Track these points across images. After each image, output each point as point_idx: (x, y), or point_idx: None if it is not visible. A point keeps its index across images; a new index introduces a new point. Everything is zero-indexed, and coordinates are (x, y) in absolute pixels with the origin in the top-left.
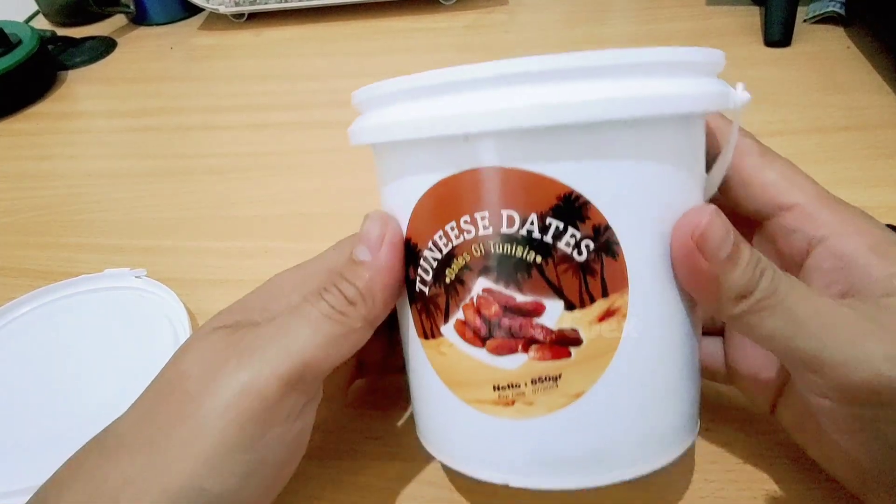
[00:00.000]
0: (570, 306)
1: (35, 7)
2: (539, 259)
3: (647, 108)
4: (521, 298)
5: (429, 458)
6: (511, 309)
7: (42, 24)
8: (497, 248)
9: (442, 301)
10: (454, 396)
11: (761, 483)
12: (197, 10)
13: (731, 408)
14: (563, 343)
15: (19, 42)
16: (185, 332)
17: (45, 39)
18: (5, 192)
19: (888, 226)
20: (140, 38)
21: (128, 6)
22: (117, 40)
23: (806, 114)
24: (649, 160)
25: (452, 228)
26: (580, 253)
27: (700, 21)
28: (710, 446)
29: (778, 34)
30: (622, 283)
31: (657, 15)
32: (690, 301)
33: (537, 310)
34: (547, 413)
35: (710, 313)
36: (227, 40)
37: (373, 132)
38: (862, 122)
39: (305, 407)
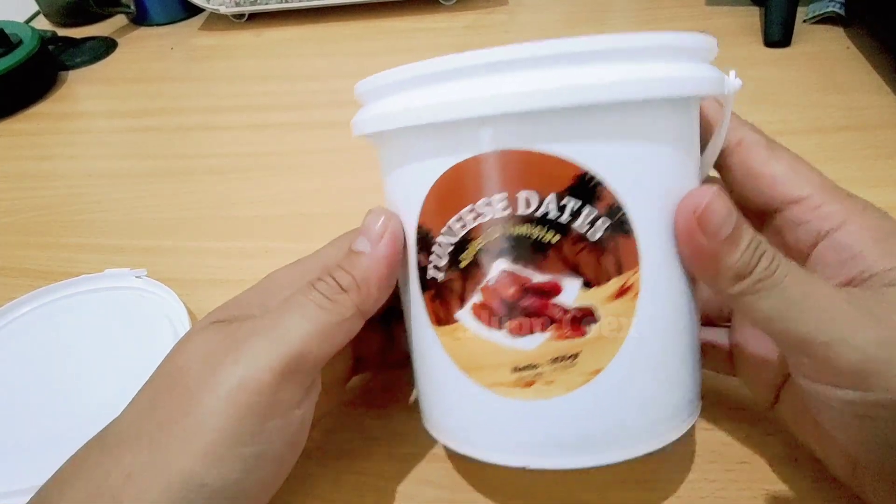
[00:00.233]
0: (586, 284)
1: (35, 7)
2: (556, 239)
3: (659, 90)
4: (539, 278)
5: (429, 458)
6: (529, 289)
7: (42, 24)
8: (515, 230)
9: (457, 286)
10: (470, 381)
11: (761, 483)
12: (197, 10)
13: (732, 408)
14: (580, 321)
15: (20, 42)
16: (185, 332)
17: (46, 40)
18: (5, 192)
19: None
20: (140, 38)
21: (128, 6)
22: (118, 41)
23: (806, 114)
24: (657, 141)
25: (469, 212)
26: (595, 232)
27: (700, 21)
28: (710, 446)
29: (778, 34)
30: (634, 261)
31: (657, 15)
32: (693, 279)
33: (555, 289)
34: (566, 392)
35: (711, 290)
36: (228, 41)
37: (384, 119)
38: (862, 122)
39: (303, 399)
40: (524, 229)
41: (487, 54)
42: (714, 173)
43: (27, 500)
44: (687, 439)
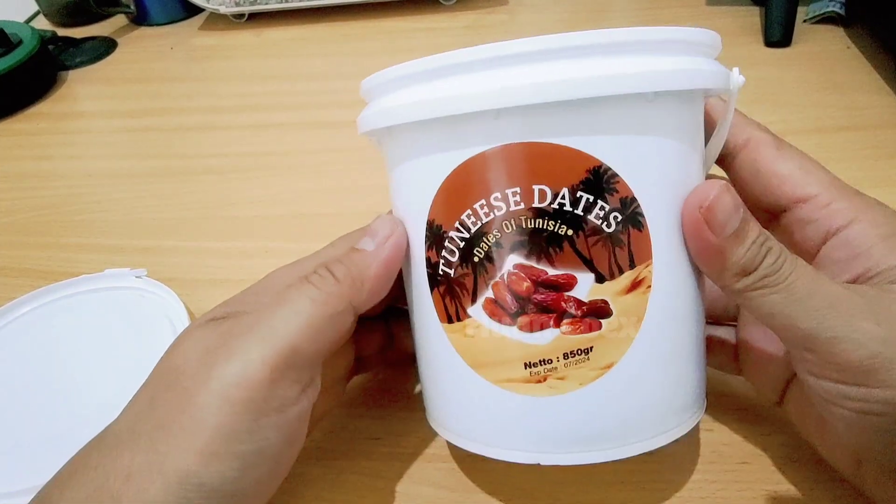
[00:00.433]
0: (600, 278)
1: (35, 7)
2: (570, 232)
3: (674, 83)
4: (552, 272)
5: (429, 458)
6: (543, 283)
7: (42, 24)
8: (529, 223)
9: (469, 281)
10: (481, 378)
11: (762, 483)
12: (197, 10)
13: (733, 408)
14: (594, 315)
15: (20, 42)
16: None
17: (46, 40)
18: (5, 192)
19: None
20: (140, 38)
21: (128, 6)
22: (118, 40)
23: (806, 114)
24: (668, 134)
25: (482, 206)
26: (609, 225)
27: (700, 21)
28: (711, 447)
29: (778, 34)
30: (647, 255)
31: (657, 15)
32: (700, 274)
33: (569, 283)
34: (579, 387)
35: (717, 288)
36: (228, 40)
37: (395, 113)
38: (862, 122)
39: (300, 395)
40: (539, 223)
41: (503, 47)
42: (722, 173)
43: (27, 500)
44: (688, 439)
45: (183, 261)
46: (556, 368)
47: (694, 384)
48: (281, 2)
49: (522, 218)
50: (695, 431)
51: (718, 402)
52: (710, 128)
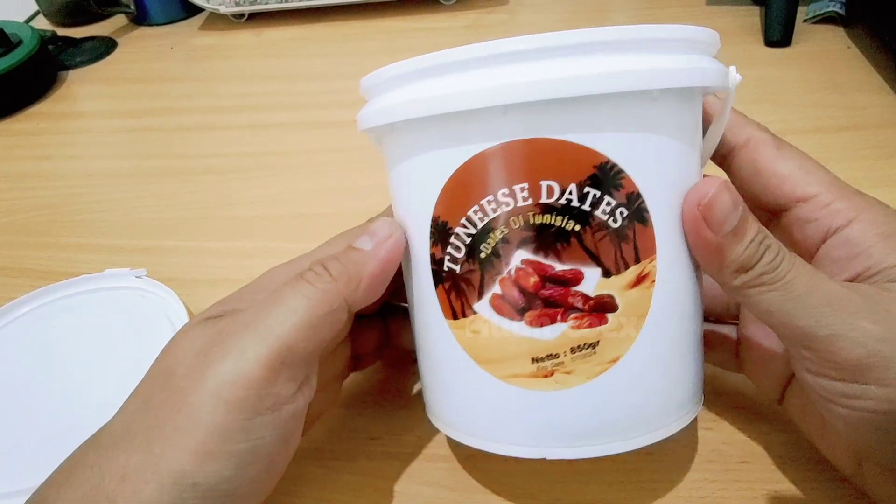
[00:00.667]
0: (606, 273)
1: (35, 7)
2: (578, 227)
3: (678, 80)
4: (560, 267)
5: (429, 458)
6: (550, 278)
7: (42, 24)
8: (537, 219)
9: (476, 277)
10: (487, 374)
11: (761, 483)
12: (197, 10)
13: (732, 407)
14: (600, 310)
15: (20, 42)
16: None
17: (46, 39)
18: (5, 192)
19: None
20: (140, 38)
21: (128, 6)
22: (117, 40)
23: (806, 114)
24: (671, 131)
25: (489, 202)
26: (615, 220)
27: (700, 21)
28: (711, 445)
29: (778, 34)
30: (651, 250)
31: (657, 15)
32: (699, 269)
33: (576, 278)
34: (586, 381)
35: (715, 281)
36: (228, 40)
37: (399, 109)
38: (862, 122)
39: (296, 393)
40: (547, 218)
41: (511, 43)
42: (722, 173)
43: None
44: (688, 438)
45: (183, 261)
46: (563, 363)
47: (694, 378)
48: (281, 2)
49: (530, 214)
50: (695, 430)
51: (718, 401)
52: (704, 126)
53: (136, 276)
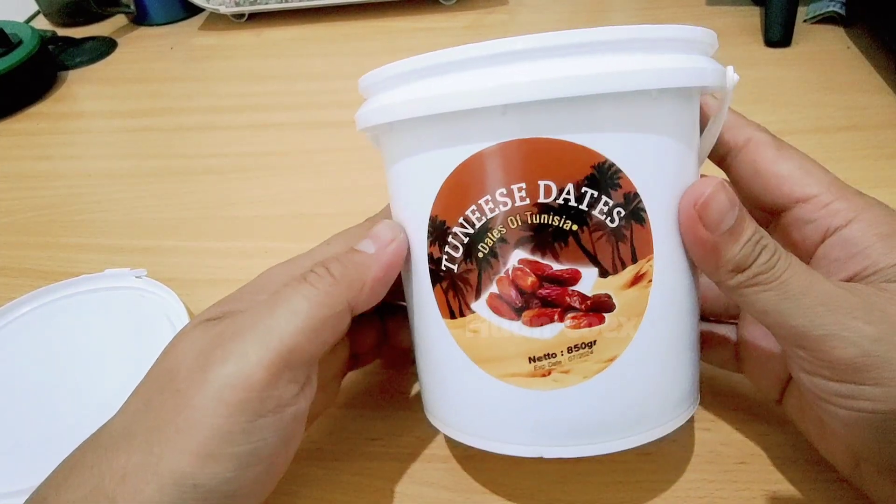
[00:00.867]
0: (604, 273)
1: (35, 7)
2: (575, 227)
3: (677, 80)
4: (557, 267)
5: (429, 459)
6: (548, 278)
7: (42, 24)
8: (534, 219)
9: (473, 277)
10: (484, 373)
11: (759, 484)
12: (197, 10)
13: (730, 408)
14: (598, 309)
15: (20, 42)
16: None
17: (46, 40)
18: (5, 192)
19: None
20: (140, 38)
21: (128, 6)
22: (118, 40)
23: (806, 114)
24: (669, 130)
25: (487, 202)
26: (612, 220)
27: (700, 21)
28: (709, 446)
29: (778, 34)
30: (649, 249)
31: (657, 15)
32: (696, 269)
33: (574, 277)
34: (583, 380)
35: (711, 280)
36: (228, 40)
37: (399, 109)
38: (862, 122)
39: (298, 395)
40: (544, 218)
41: (510, 43)
42: (722, 174)
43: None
44: (687, 439)
45: (183, 261)
46: (560, 362)
47: (690, 376)
48: (281, 2)
49: (528, 213)
50: (693, 431)
51: (716, 402)
52: (702, 125)
53: (136, 277)
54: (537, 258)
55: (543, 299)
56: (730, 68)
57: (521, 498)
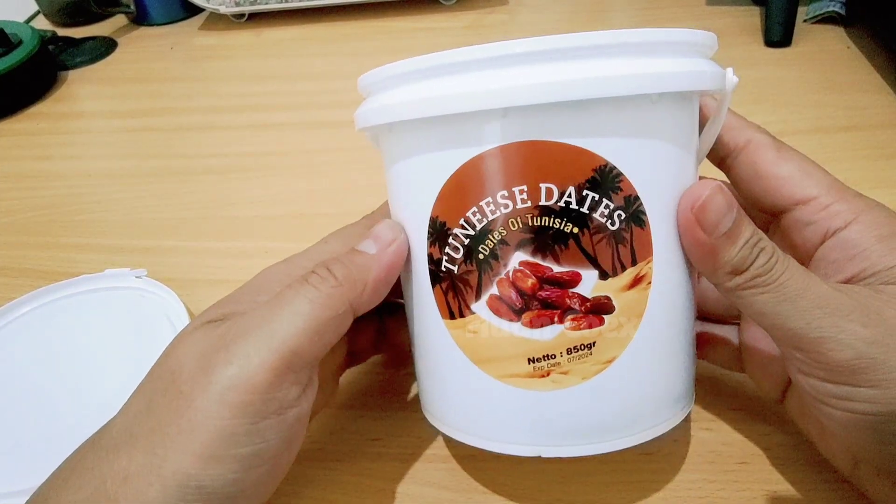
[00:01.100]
0: (604, 275)
1: (36, 7)
2: (576, 230)
3: (678, 84)
4: (558, 269)
5: (430, 459)
6: (548, 280)
7: (42, 24)
8: (535, 221)
9: (473, 278)
10: (483, 374)
11: (760, 484)
12: (197, 10)
13: (731, 408)
14: (597, 311)
15: (20, 42)
16: None
17: (46, 40)
18: (5, 192)
19: None
20: (140, 38)
21: (128, 6)
22: (118, 40)
23: (806, 114)
24: (669, 133)
25: (488, 204)
26: (613, 223)
27: (700, 21)
28: (710, 446)
29: (778, 34)
30: (648, 251)
31: (657, 15)
32: (693, 270)
33: (574, 280)
34: (581, 381)
35: (710, 282)
36: (228, 40)
37: (400, 110)
38: (862, 122)
39: (300, 396)
40: (545, 221)
41: (513, 45)
42: (723, 175)
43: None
44: (687, 439)
45: (183, 261)
46: (559, 363)
47: (686, 376)
48: (281, 2)
49: (529, 216)
50: (694, 431)
51: (717, 402)
52: (700, 126)
53: (137, 277)
54: (538, 260)
55: (543, 301)
56: (729, 70)
57: (522, 498)
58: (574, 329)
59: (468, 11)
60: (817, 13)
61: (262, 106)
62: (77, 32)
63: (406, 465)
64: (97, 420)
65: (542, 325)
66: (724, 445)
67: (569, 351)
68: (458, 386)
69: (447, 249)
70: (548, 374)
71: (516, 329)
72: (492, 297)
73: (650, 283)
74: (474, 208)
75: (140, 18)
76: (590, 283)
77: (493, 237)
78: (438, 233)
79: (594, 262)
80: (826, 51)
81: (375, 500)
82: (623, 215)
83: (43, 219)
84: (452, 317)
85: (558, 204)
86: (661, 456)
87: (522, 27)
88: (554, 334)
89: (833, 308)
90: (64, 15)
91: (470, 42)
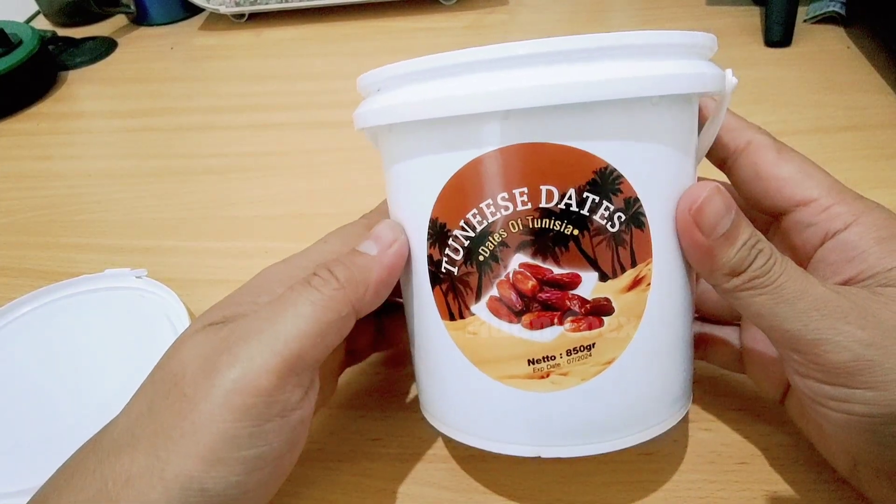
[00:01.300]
0: (603, 277)
1: (36, 7)
2: (576, 232)
3: (678, 87)
4: (558, 271)
5: (430, 459)
6: (548, 282)
7: (43, 24)
8: (535, 224)
9: (474, 280)
10: (483, 375)
11: (760, 484)
12: (197, 10)
13: (732, 409)
14: (597, 313)
15: (20, 42)
16: None
17: (46, 40)
18: (5, 192)
19: None
20: (140, 38)
21: (128, 6)
22: (118, 40)
23: (806, 114)
24: (668, 135)
25: (488, 206)
26: (613, 225)
27: (700, 21)
28: (710, 447)
29: (778, 34)
30: (647, 253)
31: (657, 15)
32: (692, 270)
33: (574, 282)
34: (581, 382)
35: (708, 283)
36: (228, 40)
37: (400, 111)
38: (862, 122)
39: (303, 398)
40: (546, 223)
41: (515, 47)
42: (722, 177)
43: (26, 500)
44: (688, 439)
45: (183, 261)
46: (559, 365)
47: (684, 376)
48: (281, 2)
49: (529, 218)
50: (694, 431)
51: (717, 403)
52: (699, 125)
53: (137, 277)
54: (538, 262)
55: (544, 303)
56: (728, 71)
57: (522, 498)
58: (574, 330)
59: (468, 11)
60: (817, 13)
61: (262, 106)
62: (77, 32)
63: (406, 465)
64: (97, 420)
65: (542, 327)
66: (724, 445)
67: (569, 352)
68: (457, 386)
69: (447, 251)
70: (548, 376)
71: (516, 330)
72: (492, 298)
73: (649, 284)
74: (474, 210)
75: (140, 18)
76: (590, 285)
77: (494, 239)
78: (438, 234)
79: (594, 264)
80: (826, 51)
81: (375, 500)
82: (623, 217)
83: (43, 219)
84: (452, 318)
85: (559, 206)
86: (661, 456)
87: (522, 27)
88: (554, 336)
89: (830, 310)
90: (64, 15)
91: (470, 42)
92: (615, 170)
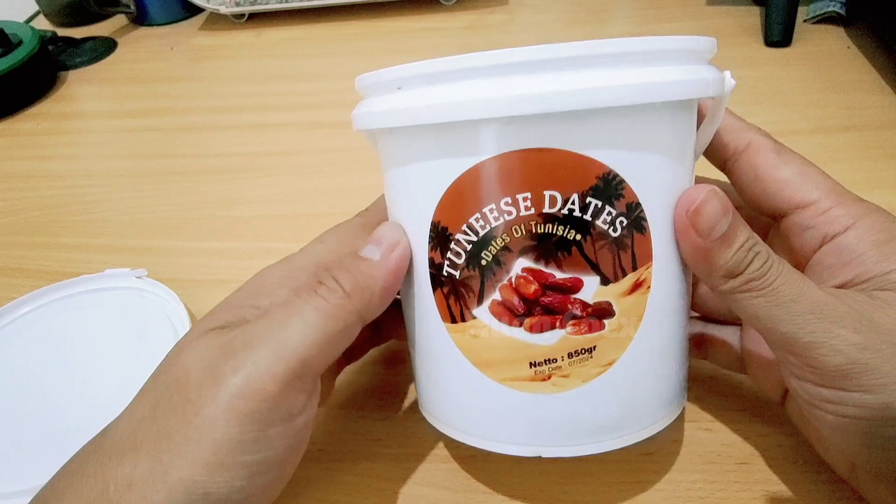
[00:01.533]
0: (605, 281)
1: (36, 7)
2: (579, 237)
3: (681, 93)
4: (560, 276)
5: (431, 459)
6: (551, 286)
7: (43, 24)
8: (538, 228)
9: (476, 283)
10: (484, 377)
11: (760, 484)
12: (197, 10)
13: (732, 409)
14: (598, 316)
15: (20, 42)
16: (185, 332)
17: (46, 40)
18: (5, 192)
19: None
20: (140, 38)
21: (128, 6)
22: (118, 41)
23: (806, 114)
24: (669, 140)
25: (491, 211)
26: (615, 230)
27: (700, 21)
28: (710, 447)
29: (778, 34)
30: (648, 257)
31: (657, 15)
32: (689, 272)
33: (576, 286)
34: (582, 384)
35: (705, 285)
36: (228, 40)
37: (402, 115)
38: (862, 122)
39: (306, 405)
40: (549, 228)
41: (519, 53)
42: (723, 177)
43: (27, 500)
44: (687, 439)
45: (183, 261)
46: (560, 367)
47: (681, 375)
48: (281, 2)
49: (532, 223)
50: (694, 431)
51: (717, 403)
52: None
53: (137, 277)
54: (541, 267)
55: (546, 307)
56: (727, 73)
57: (523, 498)
58: (575, 334)
59: (468, 11)
60: (817, 13)
61: (262, 106)
62: (77, 32)
63: (407, 465)
64: (97, 420)
65: (543, 330)
66: (724, 446)
67: (570, 355)
68: (458, 388)
69: (449, 254)
70: (549, 378)
71: (518, 334)
72: (494, 302)
73: (650, 287)
74: (477, 214)
75: (140, 18)
76: (591, 289)
77: (496, 244)
78: (440, 237)
79: (596, 269)
80: (826, 51)
81: (376, 501)
82: (625, 222)
83: (43, 219)
84: (454, 321)
85: (562, 211)
86: (662, 456)
87: (523, 27)
88: (556, 339)
89: (826, 313)
90: (64, 15)
91: (470, 42)
92: (617, 175)
